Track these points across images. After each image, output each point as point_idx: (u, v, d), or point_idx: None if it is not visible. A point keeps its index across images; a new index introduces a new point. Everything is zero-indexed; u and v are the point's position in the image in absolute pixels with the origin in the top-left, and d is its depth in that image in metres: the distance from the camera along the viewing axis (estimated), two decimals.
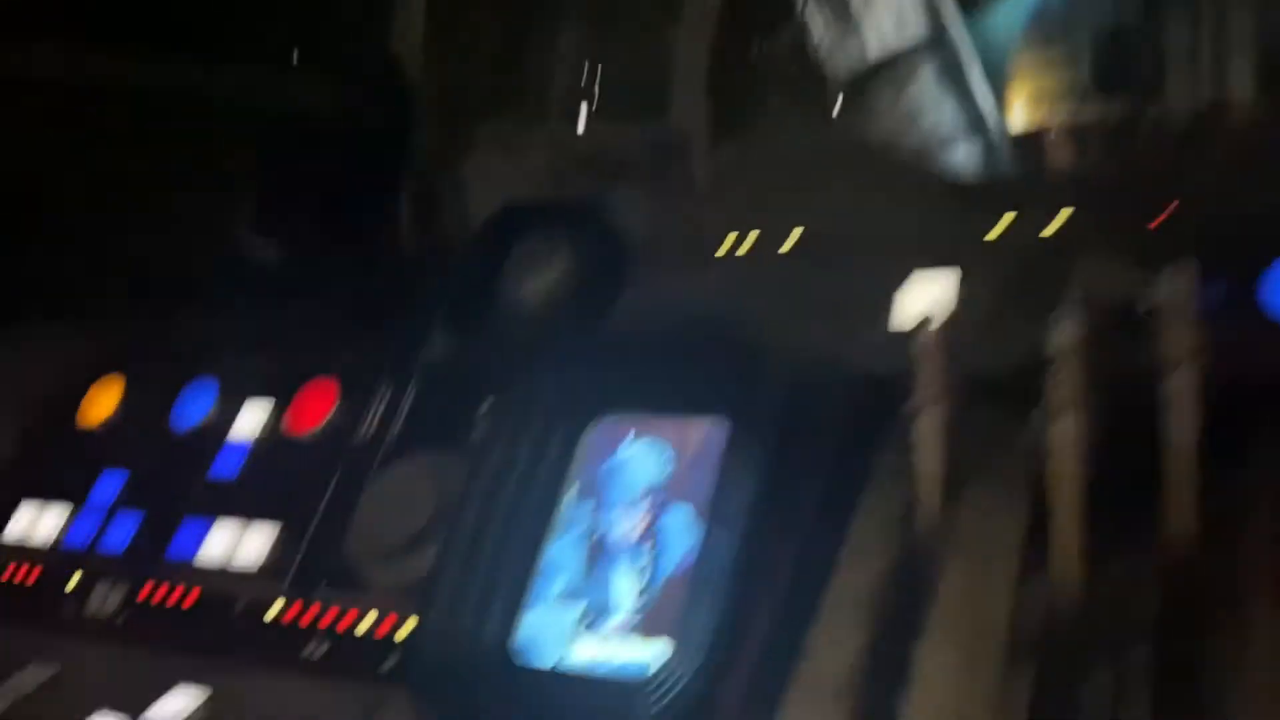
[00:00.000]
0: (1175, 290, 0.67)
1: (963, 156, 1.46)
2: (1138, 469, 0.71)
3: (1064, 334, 0.68)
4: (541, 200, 1.14)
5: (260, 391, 1.19)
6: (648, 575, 0.90)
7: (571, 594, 0.91)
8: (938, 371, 0.75)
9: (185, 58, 1.28)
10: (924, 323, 0.76)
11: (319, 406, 1.13)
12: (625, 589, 0.90)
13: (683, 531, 0.91)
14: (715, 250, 1.03)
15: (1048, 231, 0.88)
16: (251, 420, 1.17)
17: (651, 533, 0.92)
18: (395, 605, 0.96)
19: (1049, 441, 0.69)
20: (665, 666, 0.81)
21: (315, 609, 0.99)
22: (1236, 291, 0.76)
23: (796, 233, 1.07)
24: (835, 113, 1.49)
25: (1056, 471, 0.68)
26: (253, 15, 1.36)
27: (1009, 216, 0.94)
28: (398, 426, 1.09)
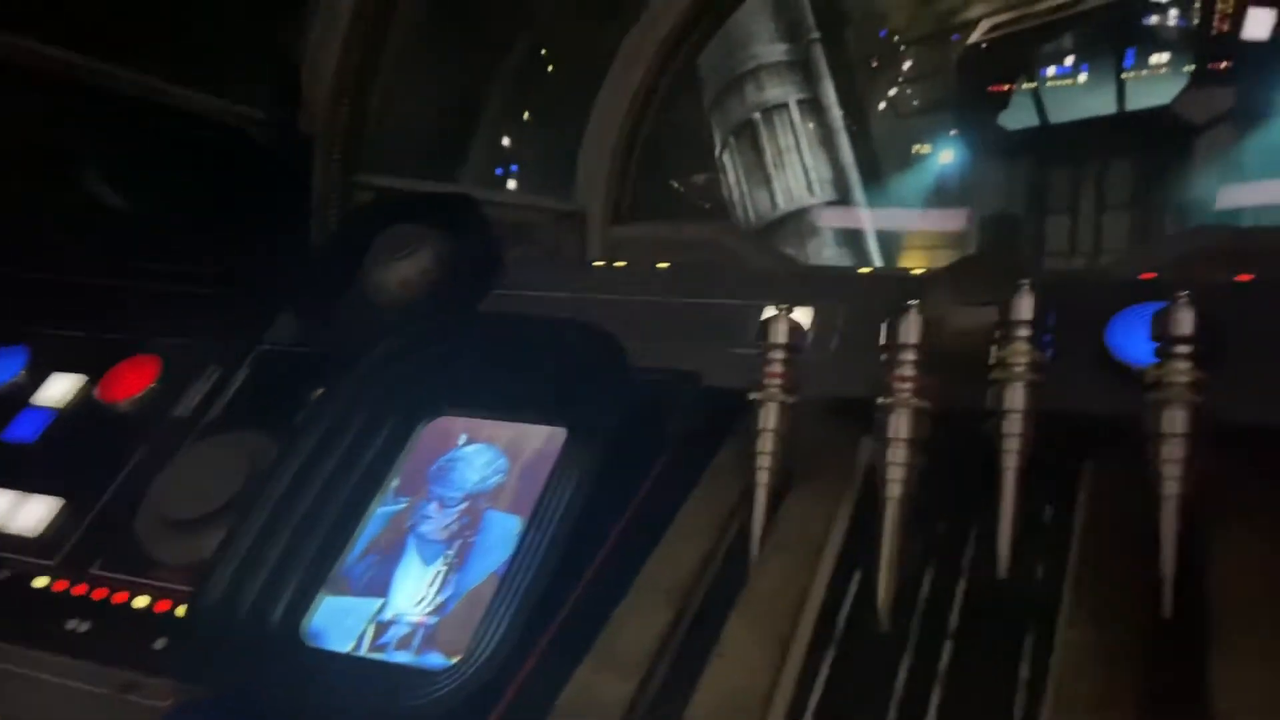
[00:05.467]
0: (1019, 309, 0.68)
1: None
2: (963, 490, 0.70)
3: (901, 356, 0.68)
4: (411, 194, 1.11)
5: (76, 364, 1.10)
6: (454, 579, 0.84)
7: (371, 587, 0.85)
8: (783, 374, 0.73)
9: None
10: (778, 331, 0.75)
11: (136, 379, 1.06)
12: (427, 589, 0.84)
13: (501, 541, 0.86)
14: (581, 261, 1.02)
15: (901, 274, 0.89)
16: (62, 388, 1.08)
17: (466, 537, 0.87)
18: (178, 583, 0.87)
19: (881, 460, 0.68)
20: (458, 664, 0.75)
21: (88, 582, 0.90)
22: (1084, 332, 0.78)
23: (663, 265, 1.07)
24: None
25: (887, 487, 0.67)
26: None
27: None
28: (220, 406, 1.02)
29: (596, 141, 1.90)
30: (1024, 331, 0.67)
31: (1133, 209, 5.12)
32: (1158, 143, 5.13)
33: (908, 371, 0.67)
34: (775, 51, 5.09)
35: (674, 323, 0.98)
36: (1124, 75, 5.43)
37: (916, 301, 0.68)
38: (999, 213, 5.29)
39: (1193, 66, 5.17)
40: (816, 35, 5.11)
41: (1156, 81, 5.40)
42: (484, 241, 1.05)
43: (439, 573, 0.85)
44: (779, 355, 0.73)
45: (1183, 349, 0.62)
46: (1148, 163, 5.20)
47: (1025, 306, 0.67)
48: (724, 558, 0.69)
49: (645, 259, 1.22)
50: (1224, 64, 5.06)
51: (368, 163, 1.38)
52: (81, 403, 1.07)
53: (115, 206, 1.12)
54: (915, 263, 4.72)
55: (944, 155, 5.67)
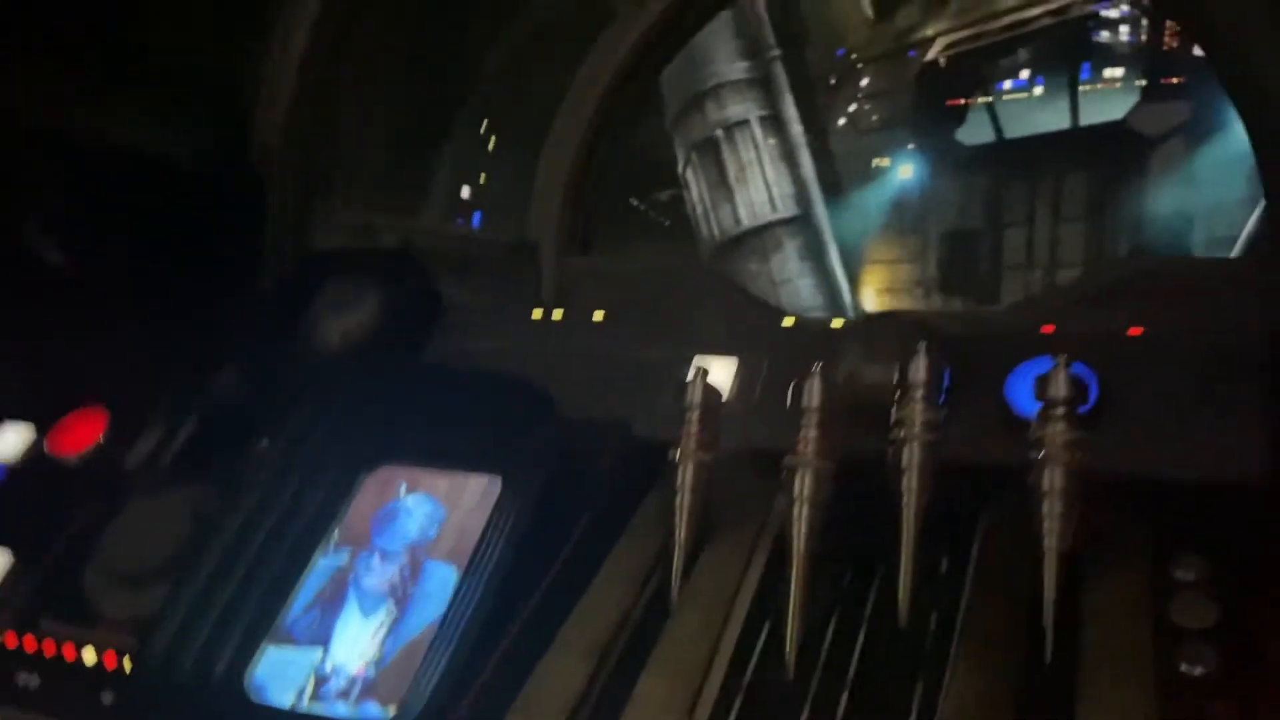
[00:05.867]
0: (915, 372, 0.72)
1: None
2: (870, 540, 0.74)
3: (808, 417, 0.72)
4: (354, 248, 1.14)
5: (25, 414, 1.12)
6: (394, 629, 0.87)
7: (313, 637, 0.88)
8: (701, 433, 0.77)
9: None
10: (696, 392, 0.79)
11: (84, 432, 1.08)
12: (367, 639, 0.87)
13: (440, 591, 0.88)
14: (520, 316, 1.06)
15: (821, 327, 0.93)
16: (11, 442, 1.10)
17: (406, 588, 0.90)
18: (126, 636, 0.90)
19: (788, 518, 0.72)
20: (393, 716, 0.78)
21: (36, 636, 0.92)
22: (984, 387, 0.82)
23: (599, 314, 1.11)
24: None
25: (792, 542, 0.71)
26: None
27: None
28: (168, 458, 1.04)
29: (549, 173, 1.93)
30: (920, 392, 0.71)
31: (1088, 222, 5.23)
32: (1113, 156, 5.25)
33: (811, 433, 0.71)
34: (736, 69, 5.16)
35: (607, 374, 1.02)
36: (1081, 87, 5.53)
37: (820, 364, 0.72)
38: (956, 226, 5.39)
39: (1145, 81, 5.28)
40: (777, 53, 5.18)
41: (1111, 96, 5.50)
42: (424, 294, 1.09)
43: (380, 624, 0.88)
44: (696, 415, 0.77)
45: (1060, 410, 0.66)
46: (1103, 176, 5.31)
47: (920, 369, 0.71)
48: (643, 611, 0.72)
49: (600, 292, 1.25)
50: (1176, 79, 5.18)
51: (323, 195, 1.40)
52: (31, 456, 1.09)
53: (53, 259, 1.14)
54: (876, 277, 4.80)
55: (903, 170, 5.75)
